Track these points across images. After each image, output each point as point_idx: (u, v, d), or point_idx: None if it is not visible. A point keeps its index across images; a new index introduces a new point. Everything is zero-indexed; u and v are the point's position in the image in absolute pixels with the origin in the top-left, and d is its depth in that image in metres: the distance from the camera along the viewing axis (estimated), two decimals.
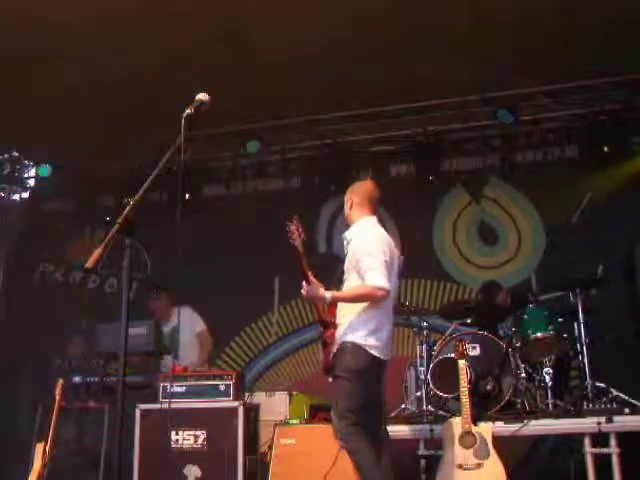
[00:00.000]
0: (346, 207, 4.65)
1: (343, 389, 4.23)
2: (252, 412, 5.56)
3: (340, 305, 4.42)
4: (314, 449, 5.09)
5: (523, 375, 5.56)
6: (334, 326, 4.41)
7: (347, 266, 4.45)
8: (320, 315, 4.49)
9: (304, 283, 4.33)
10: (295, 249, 4.38)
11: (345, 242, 4.56)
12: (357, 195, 4.63)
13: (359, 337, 4.26)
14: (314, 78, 6.74)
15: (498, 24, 6.04)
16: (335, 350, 4.31)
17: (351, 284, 4.38)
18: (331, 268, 8.12)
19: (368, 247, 4.33)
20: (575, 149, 7.81)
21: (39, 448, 5.23)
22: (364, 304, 4.31)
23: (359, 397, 4.22)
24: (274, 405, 6.13)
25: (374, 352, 4.26)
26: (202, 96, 3.09)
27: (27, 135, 7.83)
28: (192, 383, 5.59)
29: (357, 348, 4.23)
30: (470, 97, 7.55)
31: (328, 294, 4.32)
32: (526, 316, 5.74)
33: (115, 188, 8.47)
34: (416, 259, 8.10)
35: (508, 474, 4.51)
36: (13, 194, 9.66)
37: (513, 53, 6.37)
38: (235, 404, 5.38)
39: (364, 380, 4.24)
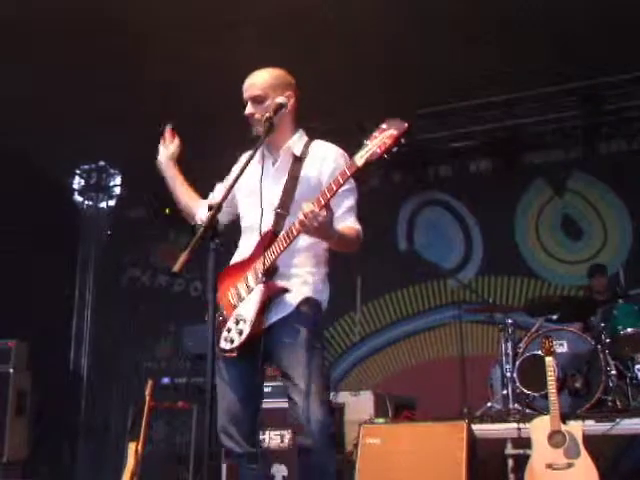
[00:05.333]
0: (282, 101, 2.99)
1: (319, 360, 3.07)
2: (337, 412, 5.58)
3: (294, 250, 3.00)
4: (399, 448, 5.06)
5: (613, 372, 5.40)
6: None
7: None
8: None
9: (313, 204, 2.68)
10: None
11: (303, 155, 3.07)
12: (296, 92, 3.11)
13: (325, 300, 3.21)
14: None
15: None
16: (296, 304, 3.07)
17: None
18: (412, 266, 8.18)
19: (351, 181, 2.98)
20: None
21: (131, 447, 5.37)
22: (324, 256, 3.15)
23: None
24: (359, 404, 6.13)
25: None
26: (281, 99, 3.05)
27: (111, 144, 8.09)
28: (278, 383, 5.64)
29: (320, 309, 3.20)
30: (550, 88, 7.39)
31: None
32: (615, 311, 5.60)
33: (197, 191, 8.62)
34: (499, 256, 8.03)
35: (600, 474, 4.39)
36: (100, 202, 10.01)
37: (595, 40, 6.24)
38: None
39: None
